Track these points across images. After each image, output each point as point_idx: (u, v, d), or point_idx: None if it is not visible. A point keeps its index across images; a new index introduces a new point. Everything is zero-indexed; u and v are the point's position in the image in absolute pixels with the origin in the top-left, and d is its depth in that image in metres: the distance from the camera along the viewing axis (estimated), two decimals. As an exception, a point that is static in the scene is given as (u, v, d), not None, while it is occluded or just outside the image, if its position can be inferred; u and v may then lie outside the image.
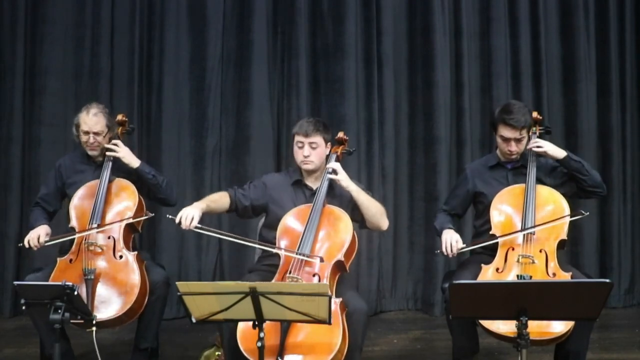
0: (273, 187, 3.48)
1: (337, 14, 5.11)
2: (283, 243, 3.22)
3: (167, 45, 5.05)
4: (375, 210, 3.35)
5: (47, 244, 3.50)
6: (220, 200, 3.41)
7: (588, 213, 3.38)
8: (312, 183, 3.45)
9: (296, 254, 3.10)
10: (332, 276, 3.11)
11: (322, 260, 3.10)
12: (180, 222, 3.16)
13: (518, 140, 3.43)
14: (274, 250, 3.20)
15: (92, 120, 3.68)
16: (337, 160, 3.41)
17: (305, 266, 3.10)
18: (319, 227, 3.19)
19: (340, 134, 3.54)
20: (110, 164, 3.63)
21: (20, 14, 4.97)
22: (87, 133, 3.68)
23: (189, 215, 3.16)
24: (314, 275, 3.08)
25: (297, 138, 3.40)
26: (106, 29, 5.04)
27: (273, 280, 3.10)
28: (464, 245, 3.29)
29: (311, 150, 3.37)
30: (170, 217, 3.21)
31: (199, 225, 3.17)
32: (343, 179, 3.31)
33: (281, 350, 2.77)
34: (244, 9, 5.11)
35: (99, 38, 5.04)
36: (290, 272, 3.06)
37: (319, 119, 3.52)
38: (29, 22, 5.02)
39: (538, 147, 3.39)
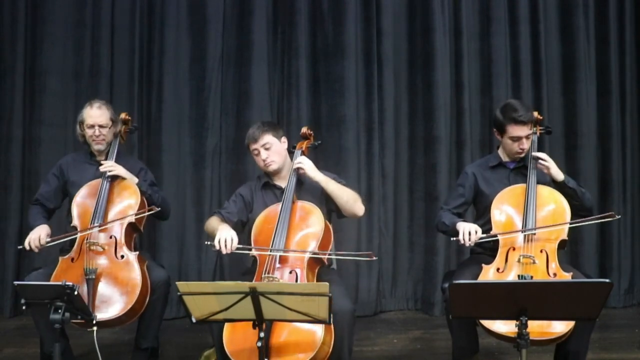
0: (248, 197, 3.52)
1: (337, 14, 5.12)
2: (257, 243, 3.24)
3: (167, 45, 5.05)
4: (347, 198, 3.37)
5: (48, 244, 3.48)
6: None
7: (620, 216, 3.38)
8: (280, 182, 3.49)
9: (270, 251, 3.12)
10: (310, 269, 3.13)
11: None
12: (220, 248, 3.14)
13: (528, 137, 3.46)
14: (251, 253, 3.22)
15: (96, 112, 3.70)
16: (303, 154, 3.46)
17: (282, 263, 3.12)
18: (291, 222, 3.22)
19: (304, 129, 3.60)
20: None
21: (20, 14, 4.98)
22: (92, 126, 3.69)
23: (228, 238, 3.16)
24: (291, 272, 3.09)
25: (251, 147, 3.46)
26: (106, 29, 5.04)
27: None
28: (484, 235, 3.27)
29: (267, 152, 3.42)
30: (209, 243, 3.19)
31: (240, 246, 3.17)
32: (309, 169, 3.35)
33: (266, 350, 2.77)
34: (244, 9, 5.11)
35: (99, 38, 5.04)
36: (266, 272, 3.07)
37: (263, 121, 3.56)
38: (29, 22, 5.02)
39: (544, 161, 3.37)
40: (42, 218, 3.66)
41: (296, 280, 3.06)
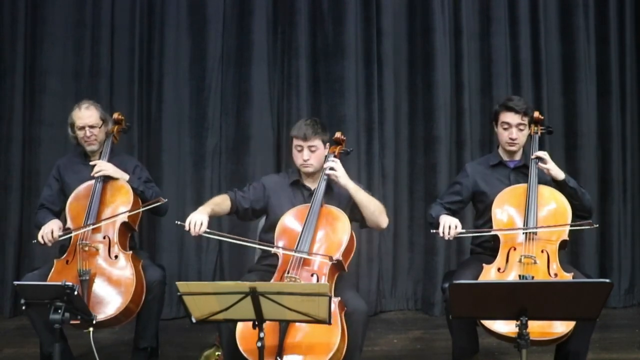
0: (271, 189, 3.48)
1: (337, 14, 5.11)
2: (281, 243, 3.22)
3: (167, 45, 5.04)
4: (374, 209, 3.34)
5: (61, 238, 3.48)
6: (222, 203, 3.39)
7: (597, 225, 3.37)
8: (310, 183, 3.46)
9: (295, 252, 3.10)
10: (330, 275, 3.12)
11: (331, 259, 3.09)
12: (189, 229, 3.14)
13: (519, 129, 3.45)
14: (273, 250, 3.20)
15: (85, 114, 3.69)
16: (335, 158, 3.41)
17: (304, 265, 3.10)
18: (317, 226, 3.20)
19: (338, 134, 3.54)
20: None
21: (20, 14, 4.97)
22: (82, 128, 3.69)
23: (197, 221, 3.14)
24: (312, 275, 3.08)
25: (296, 142, 3.39)
26: (106, 29, 5.04)
27: (272, 280, 3.10)
28: (463, 230, 3.27)
29: (310, 154, 3.36)
30: (179, 223, 3.17)
31: (208, 230, 3.15)
32: (341, 175, 3.31)
33: (280, 350, 2.77)
34: (244, 9, 5.11)
35: (99, 38, 5.04)
36: (288, 272, 3.06)
37: (316, 120, 3.49)
38: (29, 22, 5.02)
39: (544, 163, 3.37)
40: (52, 216, 3.66)
41: None
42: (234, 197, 3.43)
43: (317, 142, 3.37)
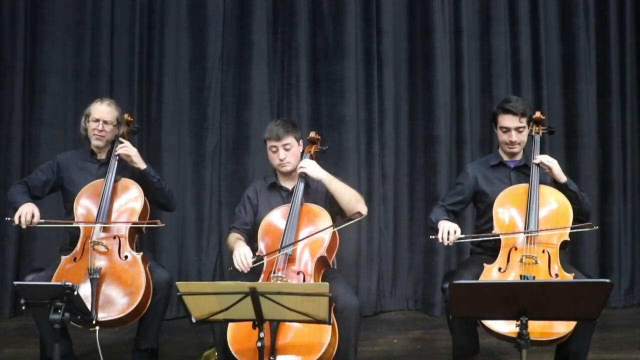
0: (254, 198, 3.53)
1: (337, 14, 5.12)
2: (265, 244, 3.26)
3: (167, 45, 5.05)
4: (349, 197, 3.35)
5: (39, 225, 3.44)
6: (242, 239, 3.42)
7: (597, 227, 3.36)
8: (287, 184, 3.50)
9: (279, 252, 3.13)
10: (316, 272, 3.15)
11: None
12: (241, 269, 3.15)
13: (519, 131, 3.45)
14: (265, 261, 3.19)
15: (105, 108, 3.71)
16: (311, 159, 3.47)
17: (289, 265, 3.12)
18: (299, 225, 3.23)
19: (312, 134, 3.60)
20: (117, 163, 3.61)
21: (20, 14, 4.98)
22: (97, 120, 3.68)
23: (242, 255, 3.16)
24: (298, 273, 3.10)
25: (270, 143, 3.44)
26: (106, 28, 5.04)
27: (259, 282, 3.10)
28: (462, 236, 3.27)
29: (286, 153, 3.42)
30: (231, 269, 3.19)
31: (254, 259, 3.17)
32: (311, 170, 3.34)
33: (272, 350, 2.78)
34: (244, 9, 5.11)
35: (99, 38, 5.04)
36: (274, 272, 3.08)
37: (286, 120, 3.56)
38: (29, 22, 5.02)
39: (548, 162, 3.36)
40: (29, 197, 3.58)
41: (303, 281, 3.07)
42: (239, 231, 3.45)
43: (290, 140, 3.42)
